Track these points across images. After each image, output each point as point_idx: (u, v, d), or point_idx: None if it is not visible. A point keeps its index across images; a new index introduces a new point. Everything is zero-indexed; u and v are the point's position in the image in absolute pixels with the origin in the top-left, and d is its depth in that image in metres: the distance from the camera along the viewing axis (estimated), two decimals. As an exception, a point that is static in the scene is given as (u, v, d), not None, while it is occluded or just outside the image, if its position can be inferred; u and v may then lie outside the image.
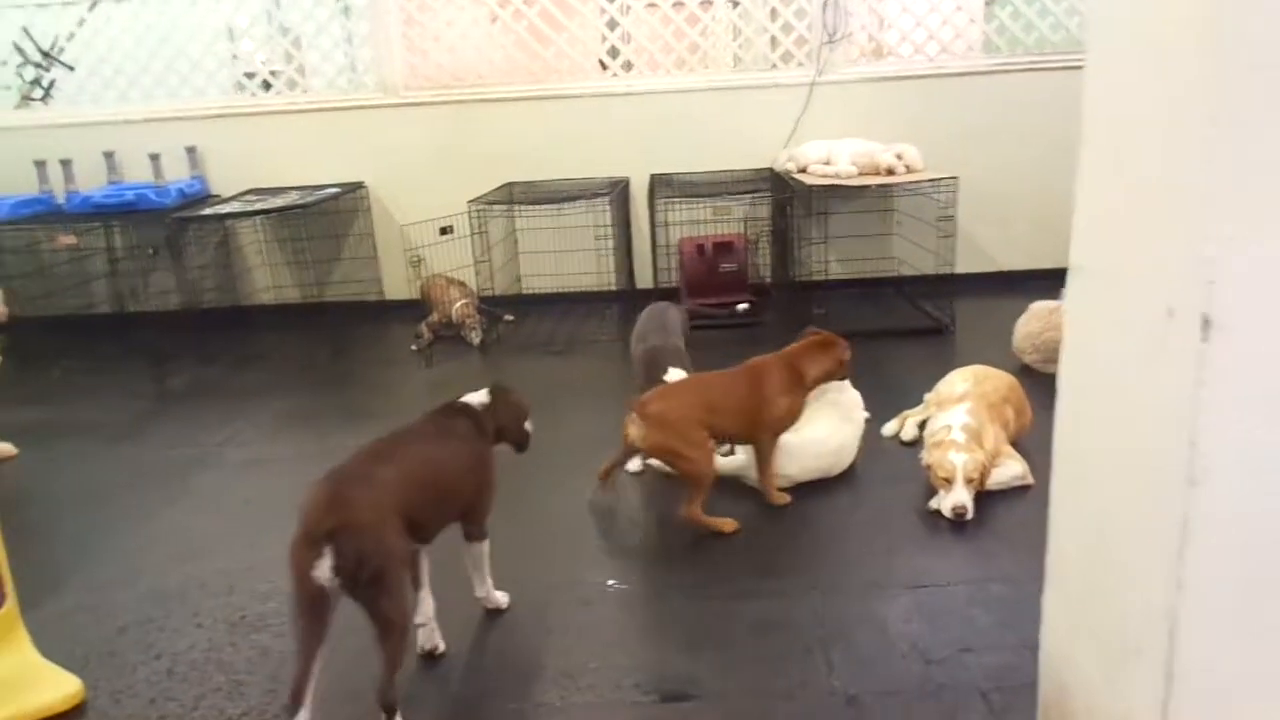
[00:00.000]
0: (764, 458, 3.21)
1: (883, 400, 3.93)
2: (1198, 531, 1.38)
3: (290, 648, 2.45)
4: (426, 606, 2.43)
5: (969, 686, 2.23)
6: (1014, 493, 3.18)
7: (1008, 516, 3.04)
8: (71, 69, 6.06)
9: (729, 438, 3.25)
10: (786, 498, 3.23)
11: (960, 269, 5.27)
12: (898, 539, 2.96)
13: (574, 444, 3.77)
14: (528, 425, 2.60)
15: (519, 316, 5.66)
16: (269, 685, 2.34)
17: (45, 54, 6.03)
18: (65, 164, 5.73)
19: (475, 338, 5.25)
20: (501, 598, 2.62)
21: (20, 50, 6.00)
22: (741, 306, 5.22)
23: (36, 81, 6.06)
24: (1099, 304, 1.61)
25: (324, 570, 1.91)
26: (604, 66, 5.99)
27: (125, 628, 2.64)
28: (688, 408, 3.04)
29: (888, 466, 3.47)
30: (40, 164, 5.75)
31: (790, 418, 3.22)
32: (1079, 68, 1.62)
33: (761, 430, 3.16)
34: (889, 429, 3.77)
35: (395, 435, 2.33)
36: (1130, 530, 1.54)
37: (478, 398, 2.50)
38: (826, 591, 2.67)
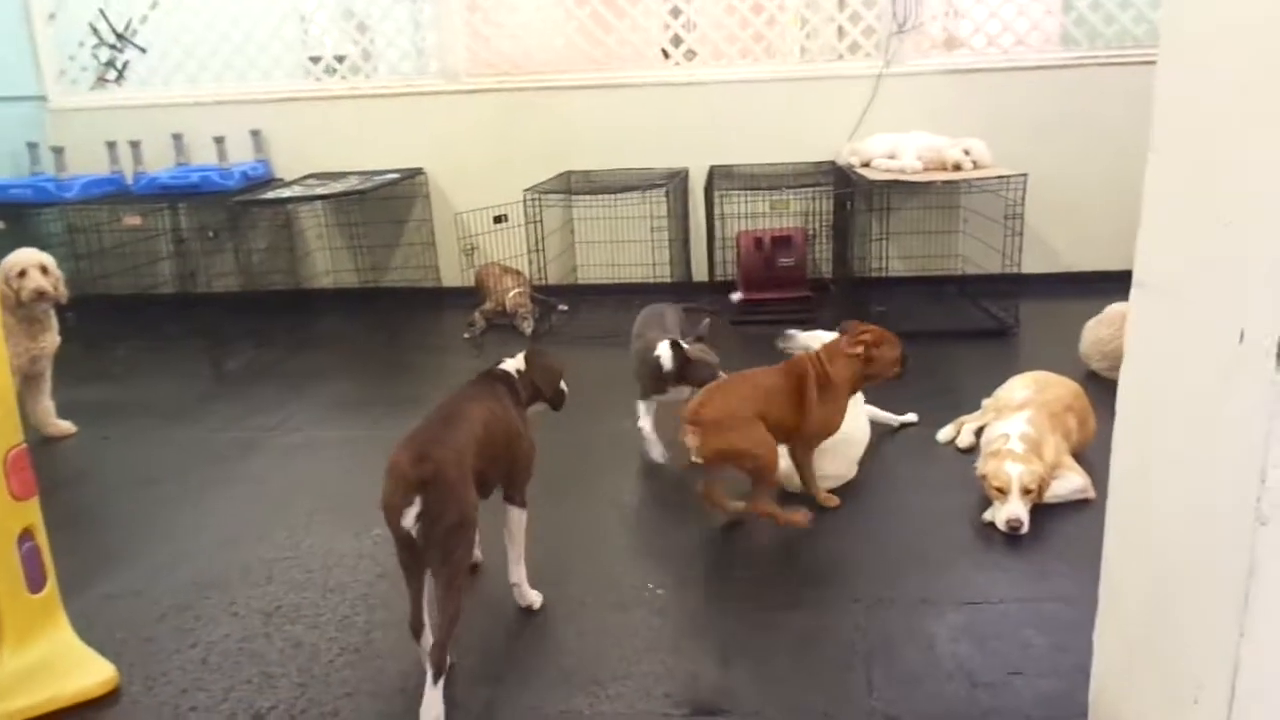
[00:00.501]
0: (804, 463, 3.10)
1: (939, 404, 3.81)
2: (1265, 573, 1.28)
3: (322, 639, 2.49)
4: None
5: (1018, 713, 2.13)
6: (1074, 506, 3.04)
7: (1066, 532, 2.91)
8: (144, 51, 6.18)
9: (777, 433, 3.12)
10: (836, 500, 3.14)
11: (1027, 269, 5.09)
12: (948, 552, 2.85)
13: (620, 438, 3.72)
14: (562, 385, 2.70)
15: (573, 306, 5.63)
16: (299, 679, 2.33)
17: (120, 36, 6.16)
18: (134, 145, 5.87)
19: (527, 327, 5.24)
20: (535, 597, 2.59)
21: (96, 32, 6.14)
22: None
23: (110, 63, 6.19)
24: (1163, 324, 1.51)
25: (409, 518, 2.07)
26: (666, 55, 5.90)
27: (165, 614, 2.66)
28: (741, 402, 2.92)
29: (941, 474, 3.36)
30: (111, 145, 5.89)
31: (839, 417, 3.12)
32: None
33: (807, 428, 3.05)
34: (944, 435, 3.64)
35: (451, 400, 2.44)
36: (1191, 568, 1.44)
37: (514, 364, 2.63)
38: (870, 605, 2.58)
